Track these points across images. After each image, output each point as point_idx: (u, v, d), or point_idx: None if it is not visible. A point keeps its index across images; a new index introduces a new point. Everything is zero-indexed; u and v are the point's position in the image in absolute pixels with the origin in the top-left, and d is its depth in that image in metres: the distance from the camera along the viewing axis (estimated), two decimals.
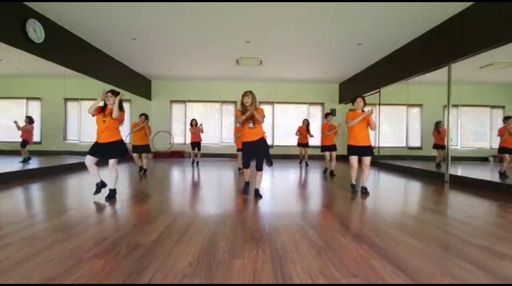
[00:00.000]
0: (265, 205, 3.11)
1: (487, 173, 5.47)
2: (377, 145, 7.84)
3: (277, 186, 4.49)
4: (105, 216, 2.59)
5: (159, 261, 1.58)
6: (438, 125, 6.17)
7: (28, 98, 5.94)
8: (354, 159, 3.84)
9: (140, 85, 9.41)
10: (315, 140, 8.42)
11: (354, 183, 3.92)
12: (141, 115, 5.70)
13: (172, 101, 10.36)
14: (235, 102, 10.26)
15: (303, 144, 7.64)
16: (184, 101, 10.37)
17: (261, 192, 3.55)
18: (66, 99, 6.27)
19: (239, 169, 6.03)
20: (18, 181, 4.36)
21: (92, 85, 6.56)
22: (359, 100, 3.80)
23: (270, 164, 3.54)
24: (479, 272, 1.50)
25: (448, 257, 1.70)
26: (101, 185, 3.37)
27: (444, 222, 2.49)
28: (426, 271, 1.50)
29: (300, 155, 8.03)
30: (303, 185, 4.65)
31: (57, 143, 6.21)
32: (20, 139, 5.67)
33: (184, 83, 10.24)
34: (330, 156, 5.78)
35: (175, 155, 9.90)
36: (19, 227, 2.17)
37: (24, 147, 5.69)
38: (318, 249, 1.80)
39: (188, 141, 8.13)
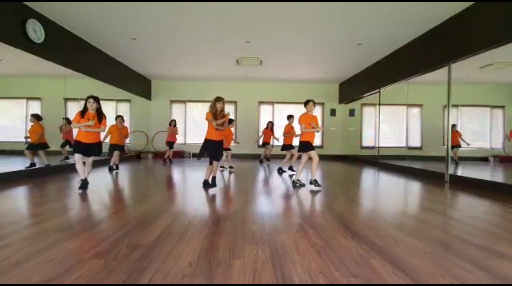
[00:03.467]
0: (265, 205, 3.11)
1: (487, 173, 5.47)
2: (377, 145, 7.85)
3: (277, 186, 4.49)
4: (105, 216, 2.59)
5: (159, 261, 1.58)
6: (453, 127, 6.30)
7: (28, 98, 5.94)
8: (307, 155, 4.24)
9: (140, 85, 9.41)
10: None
11: (315, 178, 4.18)
12: (118, 116, 6.26)
13: (172, 101, 10.36)
14: (235, 102, 10.26)
15: (266, 143, 8.07)
16: (184, 101, 10.36)
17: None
18: (66, 99, 6.26)
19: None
20: (18, 181, 4.36)
21: (92, 85, 6.56)
22: (311, 103, 4.24)
23: (218, 160, 4.11)
24: (479, 272, 1.50)
25: (448, 257, 1.70)
26: (85, 182, 3.80)
27: (444, 222, 2.49)
28: (426, 271, 1.50)
29: (263, 154, 8.45)
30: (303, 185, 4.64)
31: (57, 143, 6.20)
32: (62, 140, 6.11)
33: (184, 83, 10.23)
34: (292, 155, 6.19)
35: (175, 155, 9.87)
36: (19, 227, 2.18)
37: (64, 147, 6.11)
38: (318, 249, 1.80)
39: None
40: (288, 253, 1.73)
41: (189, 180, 5.10)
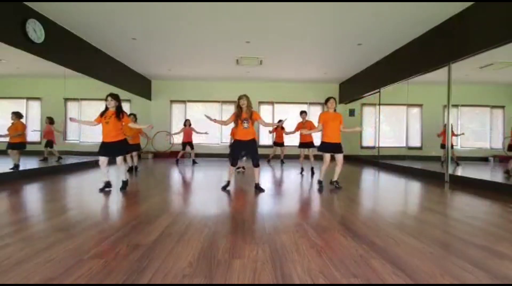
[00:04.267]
0: (265, 205, 3.11)
1: (487, 173, 5.47)
2: (377, 145, 7.85)
3: (277, 186, 4.49)
4: (105, 216, 2.59)
5: (159, 261, 1.58)
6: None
7: (28, 98, 5.93)
8: (328, 156, 4.19)
9: (140, 85, 9.41)
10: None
11: (322, 180, 4.25)
12: (130, 114, 6.02)
13: (172, 101, 10.36)
14: (235, 102, 10.25)
15: (279, 143, 8.01)
16: (184, 101, 10.37)
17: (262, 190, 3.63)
18: (66, 99, 6.26)
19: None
20: (18, 181, 4.36)
21: (92, 85, 6.56)
22: (332, 100, 4.12)
23: (256, 165, 3.88)
24: (479, 272, 1.50)
25: (448, 257, 1.70)
26: (107, 185, 3.74)
27: (444, 222, 2.49)
28: (426, 271, 1.50)
29: (273, 153, 8.35)
30: (303, 185, 4.64)
31: (57, 143, 6.20)
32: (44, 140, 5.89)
33: (184, 83, 10.23)
34: (307, 154, 6.07)
35: (175, 155, 9.87)
36: (19, 227, 2.17)
37: (51, 148, 5.95)
38: (318, 249, 1.80)
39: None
40: (288, 253, 1.73)
41: (189, 180, 5.10)
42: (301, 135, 6.06)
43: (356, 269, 1.52)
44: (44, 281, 1.35)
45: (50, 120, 5.90)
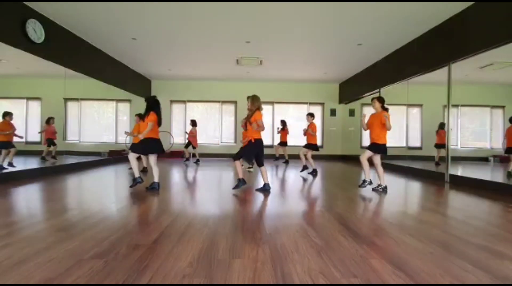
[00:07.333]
0: (265, 205, 3.11)
1: (487, 173, 5.47)
2: None
3: (277, 186, 4.49)
4: (105, 216, 2.59)
5: (159, 261, 1.58)
6: (443, 126, 6.39)
7: (28, 98, 5.94)
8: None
9: (140, 85, 9.41)
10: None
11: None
12: (136, 115, 5.99)
13: (172, 101, 10.36)
14: (235, 102, 10.26)
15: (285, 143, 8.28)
16: (184, 101, 10.37)
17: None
18: (66, 99, 6.27)
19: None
20: (18, 181, 4.36)
21: (92, 85, 6.56)
22: (374, 101, 4.07)
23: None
24: (479, 272, 1.50)
25: (448, 257, 1.70)
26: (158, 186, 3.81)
27: (444, 222, 2.49)
28: (426, 271, 1.50)
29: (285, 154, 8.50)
30: (302, 185, 4.64)
31: (57, 143, 6.21)
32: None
33: (184, 83, 10.24)
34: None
35: (175, 156, 9.89)
36: (19, 227, 2.18)
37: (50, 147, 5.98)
38: (318, 249, 1.80)
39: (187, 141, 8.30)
40: (288, 253, 1.73)
41: (189, 180, 5.10)
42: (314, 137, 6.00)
43: (356, 269, 1.52)
44: (44, 281, 1.35)
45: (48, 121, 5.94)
